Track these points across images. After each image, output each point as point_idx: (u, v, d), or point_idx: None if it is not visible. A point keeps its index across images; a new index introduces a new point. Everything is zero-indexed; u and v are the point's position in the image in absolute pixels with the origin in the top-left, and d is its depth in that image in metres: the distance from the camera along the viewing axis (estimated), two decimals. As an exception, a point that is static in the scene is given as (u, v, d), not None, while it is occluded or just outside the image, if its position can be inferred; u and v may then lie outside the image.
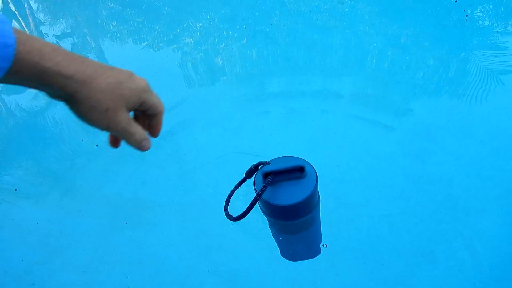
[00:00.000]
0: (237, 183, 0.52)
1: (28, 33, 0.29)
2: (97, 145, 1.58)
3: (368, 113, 1.87)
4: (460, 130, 1.76)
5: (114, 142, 0.45)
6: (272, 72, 2.24)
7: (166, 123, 1.88)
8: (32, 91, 2.01)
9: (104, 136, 0.41)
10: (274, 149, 1.66)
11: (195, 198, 1.40)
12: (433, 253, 1.23)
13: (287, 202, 0.51)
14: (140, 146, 0.40)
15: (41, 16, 2.93)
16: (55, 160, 1.68)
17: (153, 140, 1.62)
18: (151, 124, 0.42)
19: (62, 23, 2.78)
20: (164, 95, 1.96)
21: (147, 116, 0.41)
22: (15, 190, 1.52)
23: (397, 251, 1.25)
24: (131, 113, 0.40)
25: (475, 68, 2.14)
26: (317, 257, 1.23)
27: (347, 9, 2.54)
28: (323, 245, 1.11)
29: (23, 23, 2.83)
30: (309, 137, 1.72)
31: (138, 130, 0.38)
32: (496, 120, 1.72)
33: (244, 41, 2.40)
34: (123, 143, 0.41)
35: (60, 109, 1.90)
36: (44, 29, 2.76)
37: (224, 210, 0.51)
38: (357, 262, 1.21)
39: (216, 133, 1.72)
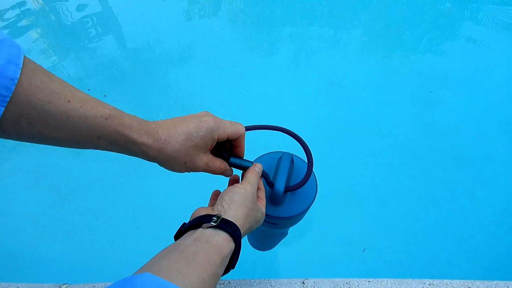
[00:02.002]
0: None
1: (120, 110, 0.35)
2: (105, 95, 1.56)
3: (378, 58, 1.79)
4: (474, 75, 1.68)
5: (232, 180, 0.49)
6: (280, 16, 2.10)
7: (171, 75, 1.77)
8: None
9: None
10: (279, 94, 1.62)
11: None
12: (436, 199, 1.25)
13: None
14: (224, 175, 0.45)
15: None
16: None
17: (158, 92, 1.55)
18: (233, 144, 0.44)
19: None
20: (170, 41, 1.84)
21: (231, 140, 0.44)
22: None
23: (401, 196, 1.27)
24: None
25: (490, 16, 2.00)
26: (321, 201, 1.26)
27: None
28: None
29: None
30: (316, 83, 1.66)
31: (218, 167, 0.42)
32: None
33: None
34: None
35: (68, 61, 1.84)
36: None
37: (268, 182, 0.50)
38: (361, 206, 1.24)
39: (220, 78, 1.67)
